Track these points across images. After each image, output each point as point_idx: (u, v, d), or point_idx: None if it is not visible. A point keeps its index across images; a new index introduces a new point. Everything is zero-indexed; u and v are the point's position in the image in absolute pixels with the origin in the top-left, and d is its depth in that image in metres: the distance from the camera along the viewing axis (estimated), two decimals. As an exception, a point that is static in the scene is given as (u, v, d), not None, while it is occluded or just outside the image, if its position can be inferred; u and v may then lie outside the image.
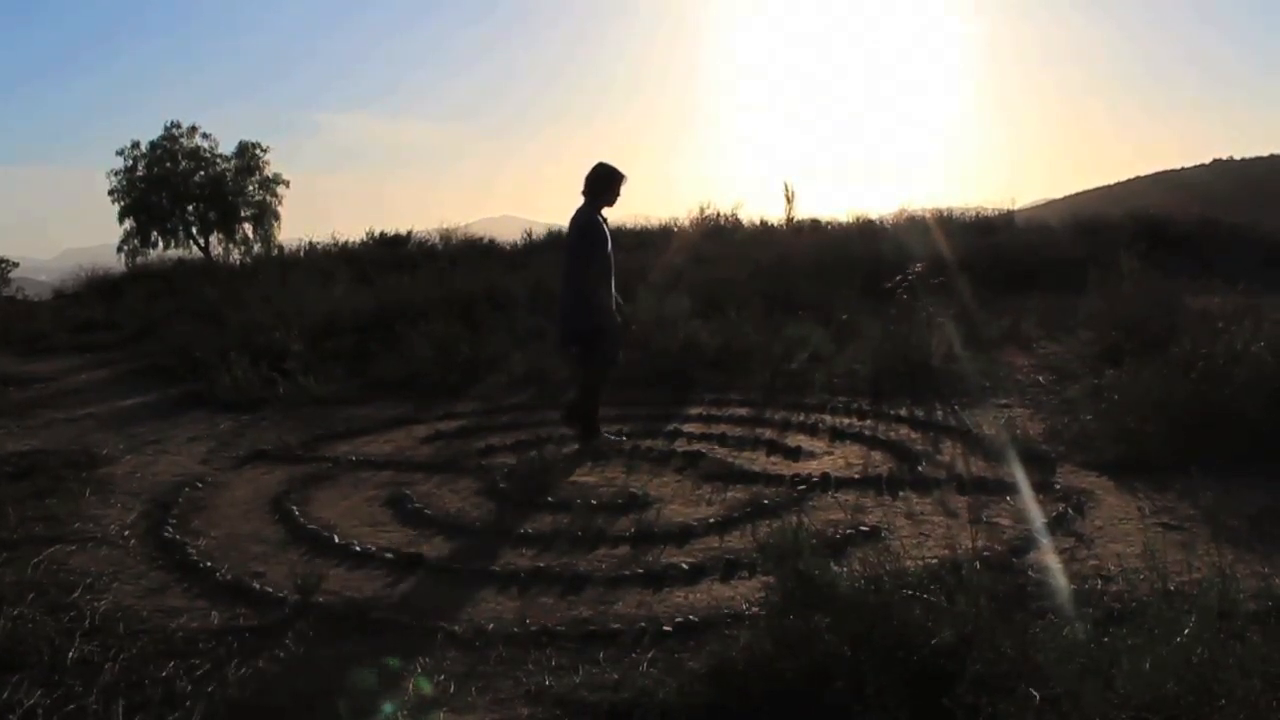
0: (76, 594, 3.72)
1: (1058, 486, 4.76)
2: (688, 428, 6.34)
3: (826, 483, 4.98)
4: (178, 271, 17.54)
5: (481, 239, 17.68)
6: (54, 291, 18.62)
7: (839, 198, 46.00)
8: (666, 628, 3.28)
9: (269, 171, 38.54)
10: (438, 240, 17.29)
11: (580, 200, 5.81)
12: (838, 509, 4.58)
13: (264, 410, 7.45)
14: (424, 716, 2.78)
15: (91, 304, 14.92)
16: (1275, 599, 3.12)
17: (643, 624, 3.32)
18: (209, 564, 4.06)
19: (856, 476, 5.10)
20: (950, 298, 8.73)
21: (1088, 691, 2.26)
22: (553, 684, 2.93)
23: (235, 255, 28.20)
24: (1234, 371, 5.26)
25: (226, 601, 3.66)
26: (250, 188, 38.06)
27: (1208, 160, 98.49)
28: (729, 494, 4.90)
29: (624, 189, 5.81)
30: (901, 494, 4.80)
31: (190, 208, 37.46)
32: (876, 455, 5.54)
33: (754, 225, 15.73)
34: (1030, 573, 3.58)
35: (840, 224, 15.55)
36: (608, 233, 5.79)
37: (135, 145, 36.88)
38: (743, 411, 6.78)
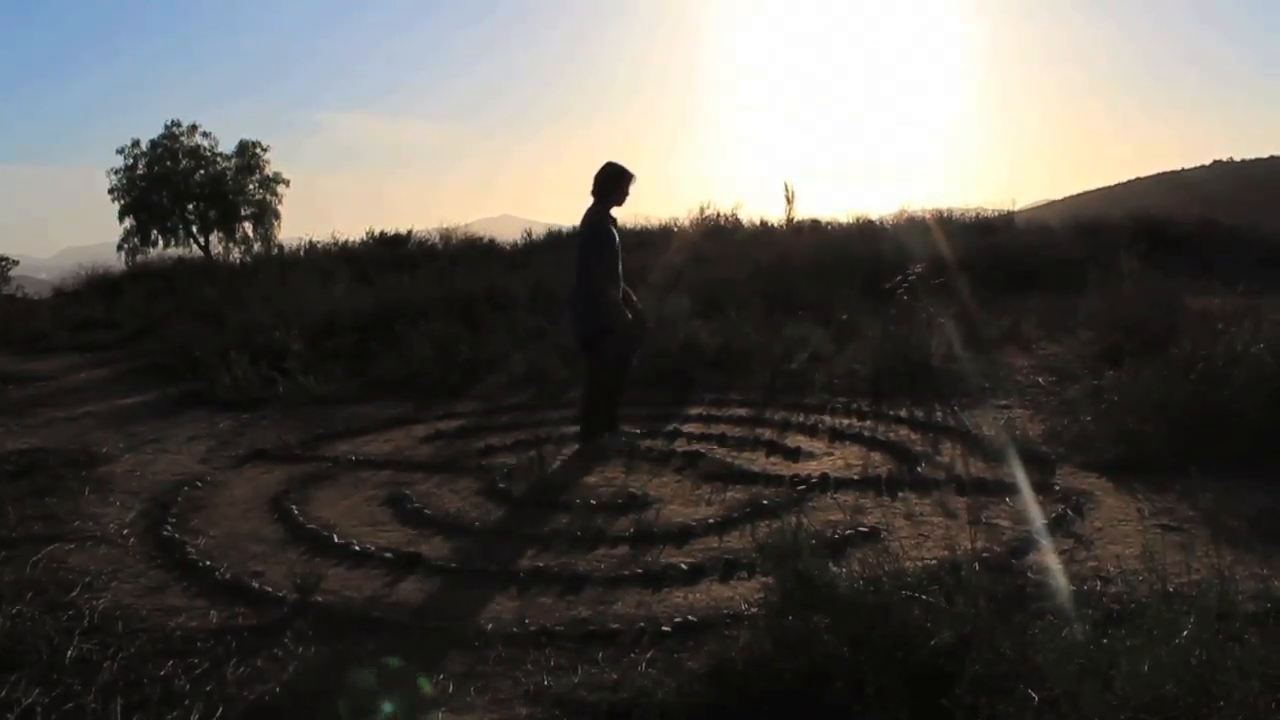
0: (75, 593, 3.72)
1: (1057, 487, 4.75)
2: (687, 428, 6.33)
3: (826, 483, 4.97)
4: (178, 270, 17.53)
5: (481, 239, 17.69)
6: (54, 290, 18.62)
7: (839, 198, 45.99)
8: (666, 628, 3.28)
9: (269, 170, 38.68)
10: (438, 240, 17.31)
11: (589, 200, 5.80)
12: (837, 509, 4.58)
13: (264, 409, 7.45)
14: (423, 716, 2.78)
15: (91, 303, 14.92)
16: (1274, 601, 3.12)
17: (642, 624, 3.31)
18: (208, 563, 4.06)
19: (856, 477, 5.09)
20: (950, 298, 8.72)
21: (1086, 692, 2.26)
22: (551, 684, 2.93)
23: (235, 254, 28.24)
24: (1234, 372, 5.25)
25: (225, 601, 3.66)
26: (250, 187, 38.15)
27: (1208, 161, 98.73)
28: (728, 494, 4.89)
29: (633, 188, 5.81)
30: (901, 495, 4.79)
31: (190, 206, 37.54)
32: (876, 456, 5.53)
33: (754, 225, 15.72)
34: (1029, 574, 3.58)
35: (840, 224, 15.56)
36: (617, 232, 5.79)
37: (135, 144, 37.00)
38: (742, 412, 6.77)
